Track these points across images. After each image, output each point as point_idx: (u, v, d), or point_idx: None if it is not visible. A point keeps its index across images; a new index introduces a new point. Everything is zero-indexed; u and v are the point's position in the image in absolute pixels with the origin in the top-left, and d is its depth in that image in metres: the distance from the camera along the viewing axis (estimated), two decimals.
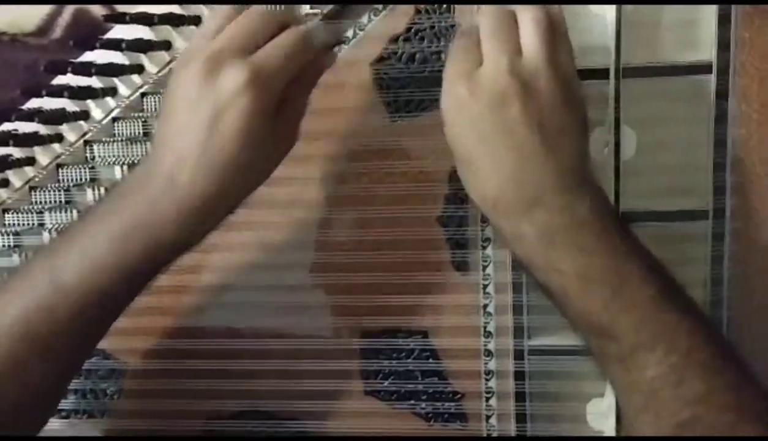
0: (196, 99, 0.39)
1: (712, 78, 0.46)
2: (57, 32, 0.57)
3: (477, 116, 0.39)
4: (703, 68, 0.46)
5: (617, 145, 0.47)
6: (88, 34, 0.52)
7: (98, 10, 0.57)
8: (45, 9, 0.57)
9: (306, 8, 0.49)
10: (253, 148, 0.39)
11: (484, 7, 0.41)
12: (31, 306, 0.41)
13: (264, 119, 0.39)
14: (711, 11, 0.46)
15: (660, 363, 0.37)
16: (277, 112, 0.40)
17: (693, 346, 0.38)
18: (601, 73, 0.46)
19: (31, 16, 0.57)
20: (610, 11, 0.46)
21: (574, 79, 0.40)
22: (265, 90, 0.39)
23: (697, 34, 0.47)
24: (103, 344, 0.54)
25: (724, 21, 0.46)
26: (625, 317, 0.38)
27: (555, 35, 0.39)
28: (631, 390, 0.39)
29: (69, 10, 0.57)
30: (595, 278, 0.38)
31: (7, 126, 0.52)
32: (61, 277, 0.40)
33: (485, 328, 0.51)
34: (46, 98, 0.51)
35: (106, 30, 0.51)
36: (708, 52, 0.46)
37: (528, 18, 0.39)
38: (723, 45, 0.46)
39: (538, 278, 0.40)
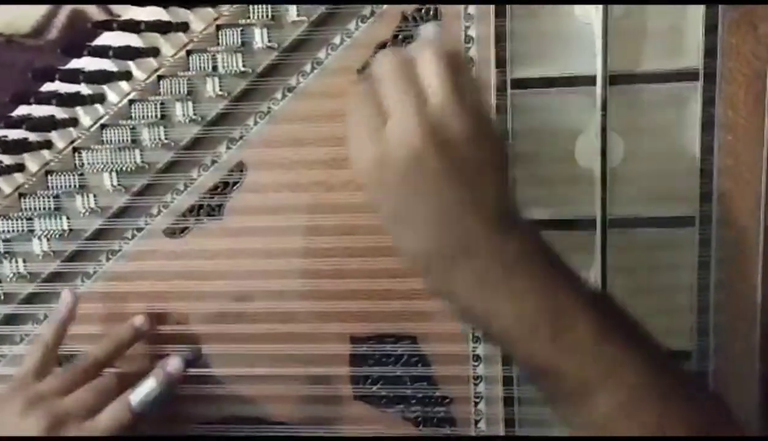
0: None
1: (699, 85, 0.46)
2: (53, 33, 0.57)
3: (393, 179, 0.37)
4: (690, 75, 0.46)
5: (605, 151, 0.47)
6: (80, 37, 0.52)
7: (93, 12, 0.57)
8: (41, 10, 0.57)
9: (293, 15, 0.49)
10: None
11: (380, 56, 0.39)
12: None
13: None
14: (698, 18, 0.46)
15: (610, 397, 0.37)
16: None
17: (641, 376, 0.37)
18: (589, 81, 0.46)
19: (27, 18, 0.57)
20: (597, 19, 0.45)
21: (485, 116, 0.39)
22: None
23: (684, 42, 0.46)
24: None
25: (710, 28, 0.45)
26: (568, 357, 0.37)
27: (458, 73, 0.38)
28: (583, 427, 0.38)
29: (65, 11, 0.57)
30: (534, 321, 0.37)
31: None
32: None
33: (473, 333, 0.51)
34: (34, 105, 0.51)
35: (95, 36, 0.51)
36: (695, 59, 0.46)
37: (426, 61, 0.38)
38: (710, 52, 0.46)
39: (480, 327, 0.39)
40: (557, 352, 0.37)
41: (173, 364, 0.49)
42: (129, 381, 0.49)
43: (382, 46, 0.49)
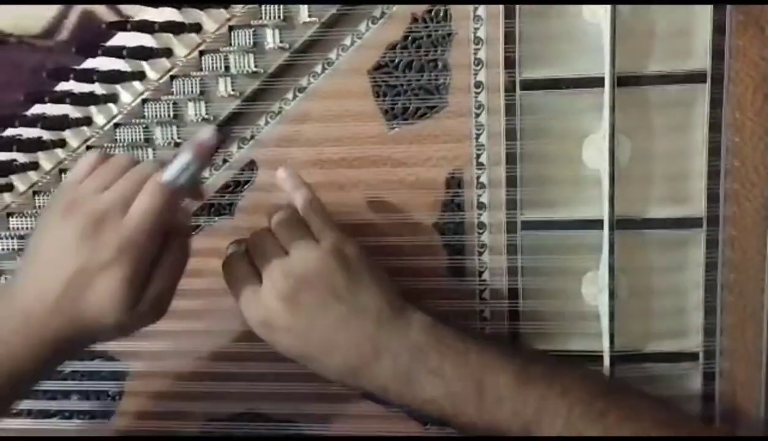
0: (72, 249, 0.40)
1: (707, 86, 0.47)
2: (63, 34, 0.58)
3: (282, 327, 0.43)
4: (698, 77, 0.47)
5: (612, 152, 0.47)
6: (94, 37, 0.53)
7: (104, 12, 0.58)
8: (51, 11, 0.58)
9: (305, 16, 0.49)
10: (114, 313, 0.41)
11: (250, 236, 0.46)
12: None
13: (132, 288, 0.41)
14: (705, 20, 0.46)
15: (552, 429, 0.41)
16: (149, 277, 0.42)
17: (569, 403, 0.41)
18: (596, 82, 0.47)
19: (38, 18, 0.58)
20: (605, 20, 0.46)
21: (334, 242, 0.44)
22: (138, 257, 0.41)
23: (692, 43, 0.47)
24: (105, 347, 0.55)
25: (718, 30, 0.46)
26: (499, 410, 0.42)
27: (306, 217, 0.45)
28: None
29: (75, 12, 0.58)
30: (458, 390, 0.42)
31: (11, 131, 0.52)
32: None
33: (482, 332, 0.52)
34: (49, 104, 0.51)
35: (109, 36, 0.52)
36: (702, 61, 0.47)
37: (276, 223, 0.45)
38: (717, 54, 0.46)
39: (424, 415, 0.45)
40: (489, 410, 0.42)
41: (204, 133, 0.44)
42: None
43: (393, 47, 0.49)
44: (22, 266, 0.44)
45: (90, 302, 0.40)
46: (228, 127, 0.51)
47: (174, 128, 0.52)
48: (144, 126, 0.52)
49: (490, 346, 0.44)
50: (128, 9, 0.54)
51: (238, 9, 0.50)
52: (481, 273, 0.51)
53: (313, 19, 0.49)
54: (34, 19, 0.59)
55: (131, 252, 0.40)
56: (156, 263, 0.42)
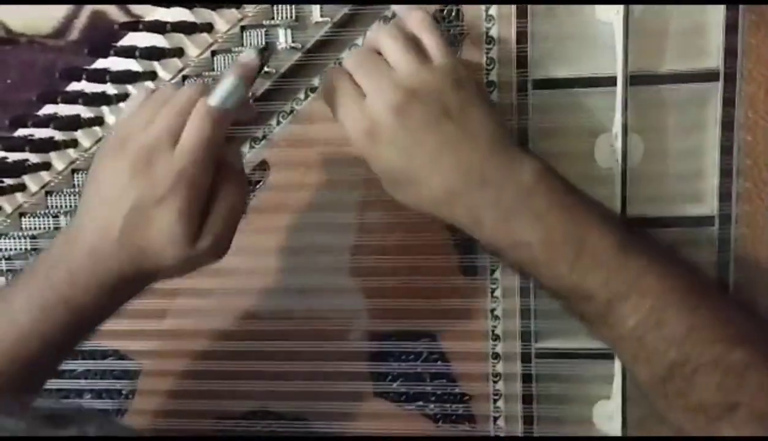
0: (126, 186, 0.40)
1: (719, 85, 0.47)
2: (74, 34, 0.58)
3: (388, 139, 0.41)
4: (710, 76, 0.47)
5: (624, 152, 0.47)
6: (104, 37, 0.53)
7: (114, 12, 0.58)
8: (62, 11, 0.58)
9: (317, 16, 0.49)
10: (173, 247, 0.40)
11: (348, 55, 0.44)
12: None
13: (190, 221, 0.40)
14: (718, 19, 0.46)
15: (637, 310, 0.39)
16: (207, 212, 0.41)
17: (665, 287, 0.39)
18: (609, 81, 0.47)
19: (48, 18, 0.58)
20: (617, 19, 0.46)
21: (452, 64, 0.42)
22: (192, 188, 0.40)
23: (705, 42, 0.47)
24: (118, 345, 0.55)
25: (731, 29, 0.46)
26: (593, 273, 0.39)
27: (427, 32, 0.43)
28: (619, 343, 0.40)
29: (86, 12, 0.58)
30: (557, 240, 0.39)
31: (23, 132, 0.52)
32: None
33: (493, 331, 0.52)
34: (61, 105, 0.51)
35: (120, 36, 0.52)
36: (715, 60, 0.47)
37: (387, 34, 0.42)
38: (730, 52, 0.46)
39: (508, 259, 0.42)
40: (582, 270, 0.39)
41: (246, 55, 0.43)
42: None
43: None
44: (80, 208, 0.43)
45: (150, 238, 0.40)
46: (270, 46, 0.50)
47: None
48: None
49: (596, 207, 0.42)
50: (140, 9, 0.55)
51: (250, 9, 0.50)
52: (492, 271, 0.51)
53: (326, 19, 0.49)
54: (44, 19, 0.59)
55: (185, 183, 0.39)
56: (213, 199, 0.41)
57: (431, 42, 0.43)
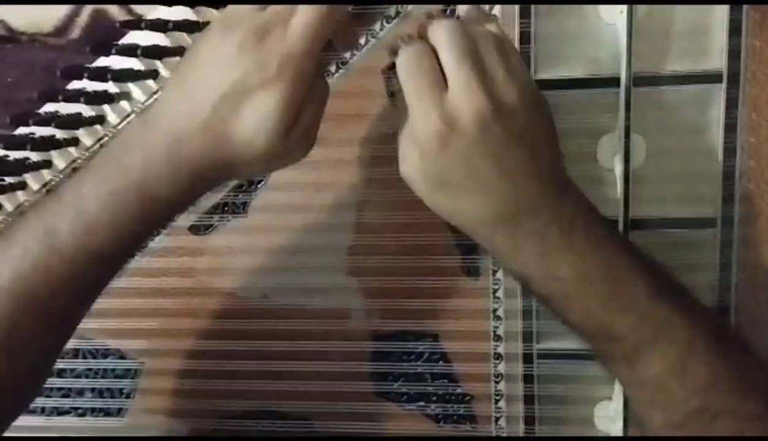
0: (231, 63, 0.37)
1: (723, 87, 0.47)
2: (75, 32, 0.58)
3: (460, 148, 0.37)
4: (714, 77, 0.47)
5: (627, 152, 0.47)
6: (106, 35, 0.53)
7: (115, 11, 0.58)
8: (63, 9, 0.58)
9: None
10: (266, 135, 0.38)
11: (438, 23, 0.39)
12: (26, 267, 0.39)
13: (290, 111, 0.38)
14: (722, 20, 0.46)
15: (663, 356, 0.38)
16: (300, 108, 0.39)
17: (693, 335, 0.38)
18: (612, 82, 0.47)
19: (50, 17, 0.58)
20: (621, 20, 0.46)
21: (534, 87, 0.40)
22: (299, 77, 0.38)
23: (708, 43, 0.47)
24: (118, 344, 0.55)
25: (734, 30, 0.46)
26: (624, 316, 0.38)
27: (509, 47, 0.39)
28: (638, 387, 0.40)
29: (87, 10, 0.58)
30: (592, 279, 0.39)
31: (24, 130, 0.52)
32: (56, 237, 0.39)
33: (495, 331, 0.52)
34: (62, 103, 0.51)
35: (121, 34, 0.52)
36: (718, 61, 0.47)
37: (485, 38, 0.39)
38: (733, 54, 0.46)
39: (539, 290, 0.40)
40: (614, 311, 0.38)
41: None
42: None
43: None
44: (167, 90, 0.41)
45: (243, 122, 0.38)
46: None
47: None
48: None
49: (633, 249, 0.41)
50: (141, 7, 0.54)
51: None
52: (494, 272, 0.51)
53: None
54: (46, 18, 0.58)
55: (293, 69, 0.37)
56: (305, 95, 0.39)
57: (518, 55, 0.40)
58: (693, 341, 0.38)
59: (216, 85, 0.38)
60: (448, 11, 0.48)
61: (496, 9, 0.48)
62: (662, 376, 0.38)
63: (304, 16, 0.38)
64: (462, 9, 0.43)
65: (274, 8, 0.38)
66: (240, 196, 0.53)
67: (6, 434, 0.46)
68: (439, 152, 0.38)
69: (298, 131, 0.39)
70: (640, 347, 0.38)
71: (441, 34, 0.39)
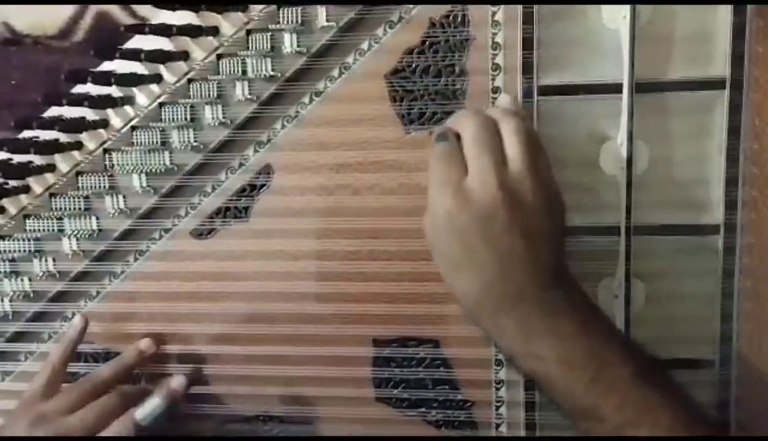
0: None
1: (726, 93, 0.46)
2: (79, 35, 0.58)
3: (464, 227, 0.41)
4: (717, 83, 0.47)
5: (630, 159, 0.47)
6: (110, 38, 0.53)
7: (119, 14, 0.58)
8: (67, 12, 0.58)
9: (322, 20, 0.49)
10: None
11: (465, 113, 0.43)
12: None
13: None
14: (725, 26, 0.46)
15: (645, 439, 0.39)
16: None
17: (676, 420, 0.39)
18: (615, 88, 0.47)
19: (54, 19, 0.58)
20: (624, 26, 0.46)
21: (554, 186, 0.42)
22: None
23: (711, 49, 0.47)
24: (120, 348, 0.55)
25: (738, 36, 0.46)
26: (607, 398, 0.39)
27: (534, 145, 0.42)
28: None
29: (91, 13, 0.58)
30: (576, 363, 0.40)
31: (28, 133, 0.52)
32: None
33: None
34: (66, 107, 0.52)
35: (125, 38, 0.52)
36: (721, 67, 0.46)
37: (510, 128, 0.42)
38: (737, 60, 0.46)
39: (522, 367, 0.42)
40: (597, 394, 0.40)
41: (177, 381, 0.50)
42: (134, 399, 0.50)
43: (410, 51, 0.49)
44: None
45: None
46: (198, 370, 0.54)
47: (191, 131, 0.52)
48: (161, 129, 0.52)
49: (616, 333, 0.43)
50: (145, 12, 0.55)
51: (255, 13, 0.50)
52: None
53: (331, 23, 0.49)
54: (49, 20, 0.59)
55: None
56: None
57: (545, 162, 0.43)
58: (675, 426, 0.39)
59: None
60: (451, 17, 0.48)
61: (499, 14, 0.48)
62: None
63: (113, 432, 0.48)
64: (502, 99, 0.47)
65: (79, 416, 0.48)
66: (242, 201, 0.53)
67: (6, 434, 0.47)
68: (447, 228, 0.41)
69: None
70: (623, 429, 0.39)
71: (467, 127, 0.43)
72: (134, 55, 0.50)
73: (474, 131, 0.42)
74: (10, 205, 0.55)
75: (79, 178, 0.54)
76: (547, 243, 0.41)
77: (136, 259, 0.54)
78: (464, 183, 0.41)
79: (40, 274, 0.55)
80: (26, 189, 0.54)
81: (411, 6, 0.49)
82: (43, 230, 0.55)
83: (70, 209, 0.54)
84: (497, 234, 0.40)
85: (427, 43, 0.49)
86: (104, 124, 0.53)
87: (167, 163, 0.52)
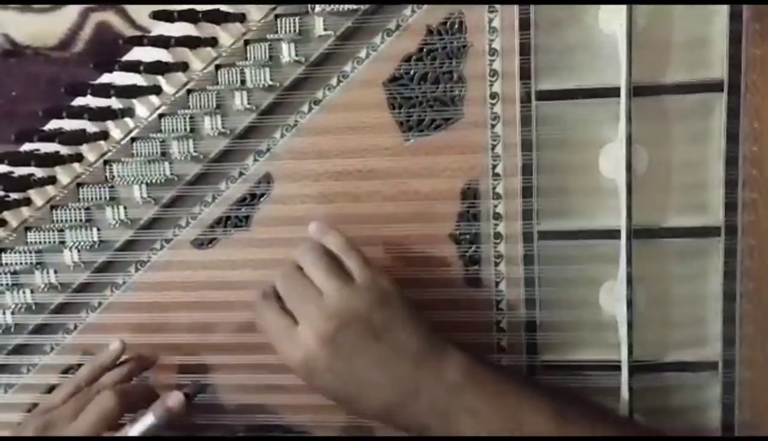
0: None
1: (724, 96, 0.47)
2: (79, 46, 0.58)
3: (325, 367, 0.43)
4: (715, 86, 0.47)
5: (629, 162, 0.47)
6: (109, 51, 0.53)
7: (118, 24, 0.58)
8: (67, 23, 0.58)
9: (320, 29, 0.50)
10: None
11: (277, 274, 0.46)
12: None
13: None
14: (722, 30, 0.46)
15: None
16: None
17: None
18: (613, 92, 0.47)
19: (54, 30, 0.58)
20: (621, 30, 0.46)
21: (377, 278, 0.45)
22: None
23: (709, 53, 0.47)
24: (121, 358, 0.55)
25: (735, 39, 0.46)
26: None
27: (343, 252, 0.46)
28: None
29: (90, 24, 0.58)
30: (495, 427, 0.42)
31: (29, 146, 0.53)
32: None
33: (498, 343, 0.52)
34: (66, 119, 0.52)
35: (125, 50, 0.52)
36: (719, 70, 0.46)
37: (309, 264, 0.45)
38: (734, 63, 0.46)
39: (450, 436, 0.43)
40: None
41: (174, 398, 0.49)
42: (133, 397, 0.50)
43: (408, 59, 0.49)
44: None
45: None
46: (199, 388, 0.53)
47: (190, 142, 0.52)
48: (161, 140, 0.52)
49: (526, 385, 0.44)
50: (144, 23, 0.55)
51: (253, 23, 0.50)
52: (497, 283, 0.51)
53: (329, 32, 0.49)
54: (49, 31, 0.59)
55: None
56: None
57: (351, 263, 0.46)
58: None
59: None
60: (448, 23, 0.48)
61: (496, 21, 0.48)
62: None
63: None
64: (311, 228, 0.49)
65: (80, 425, 0.48)
66: (243, 210, 0.53)
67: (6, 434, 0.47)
68: (312, 376, 0.44)
69: None
70: None
71: (277, 283, 0.46)
72: (133, 66, 0.50)
73: (285, 287, 0.46)
74: (12, 218, 0.55)
75: (80, 189, 0.54)
76: (398, 329, 0.44)
77: (137, 270, 0.55)
78: (297, 333, 0.44)
79: (42, 286, 0.55)
80: (27, 201, 0.55)
81: (408, 14, 0.49)
82: (45, 242, 0.55)
83: (71, 221, 0.54)
84: (351, 355, 0.43)
85: (425, 50, 0.49)
86: (104, 135, 0.53)
87: (167, 173, 0.53)
